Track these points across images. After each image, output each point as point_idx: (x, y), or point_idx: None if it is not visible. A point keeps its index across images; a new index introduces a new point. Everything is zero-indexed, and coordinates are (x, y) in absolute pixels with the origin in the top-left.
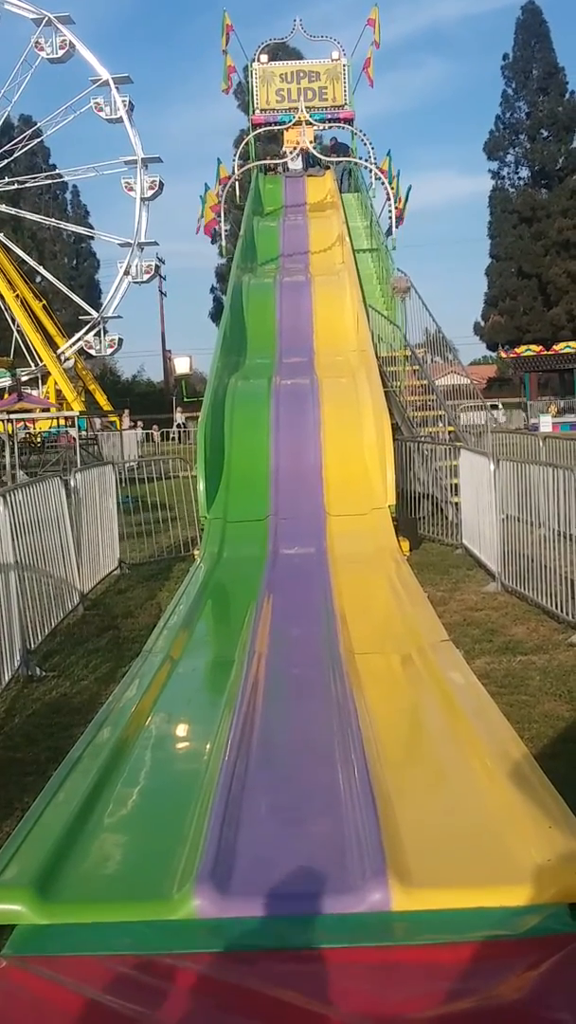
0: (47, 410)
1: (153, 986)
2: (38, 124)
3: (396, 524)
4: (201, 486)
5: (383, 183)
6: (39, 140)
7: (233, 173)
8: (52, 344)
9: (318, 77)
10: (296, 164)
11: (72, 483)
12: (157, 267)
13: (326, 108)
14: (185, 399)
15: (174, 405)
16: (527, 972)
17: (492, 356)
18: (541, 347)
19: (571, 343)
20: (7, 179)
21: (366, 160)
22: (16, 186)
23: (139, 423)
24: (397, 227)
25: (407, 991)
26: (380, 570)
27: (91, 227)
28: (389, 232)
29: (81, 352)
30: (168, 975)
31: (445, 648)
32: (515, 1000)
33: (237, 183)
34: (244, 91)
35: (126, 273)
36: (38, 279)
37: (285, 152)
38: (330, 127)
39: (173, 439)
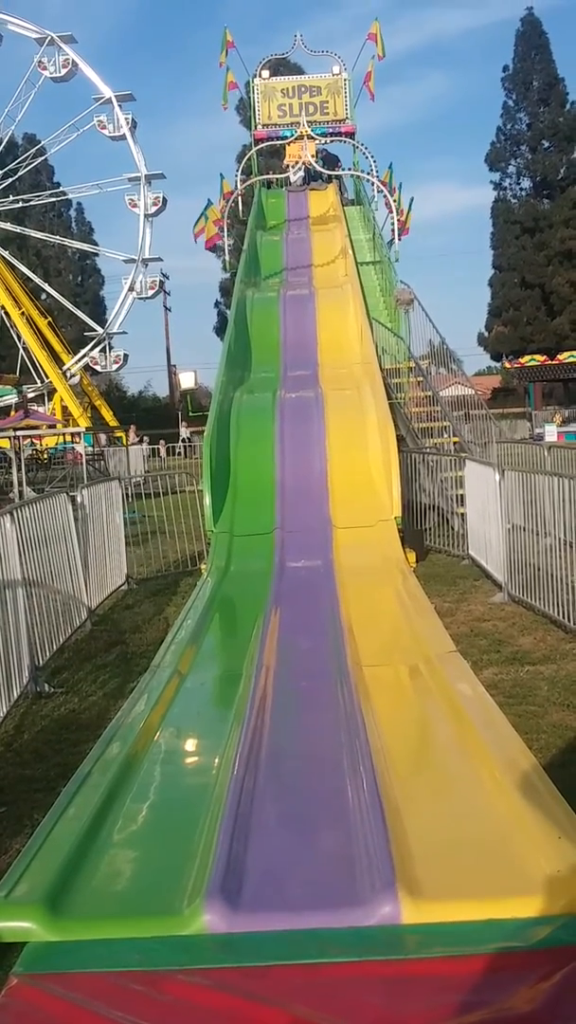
0: (53, 426)
1: (163, 1002)
2: (42, 142)
3: (402, 535)
4: (207, 500)
5: (385, 196)
6: (43, 158)
7: (236, 188)
8: (58, 361)
9: (319, 92)
10: (298, 179)
11: (79, 499)
12: (161, 283)
13: (328, 122)
14: (190, 414)
15: (179, 420)
16: (538, 984)
17: (496, 367)
18: (545, 357)
19: (575, 352)
20: (12, 197)
21: (368, 173)
22: (21, 204)
23: (146, 438)
24: (401, 237)
25: (418, 1004)
26: (387, 582)
27: (95, 244)
28: (391, 244)
29: (87, 368)
30: (178, 991)
31: (452, 659)
32: (527, 1012)
33: (240, 198)
34: (246, 107)
35: (131, 289)
36: (43, 296)
37: (288, 167)
38: (332, 141)
39: (179, 454)
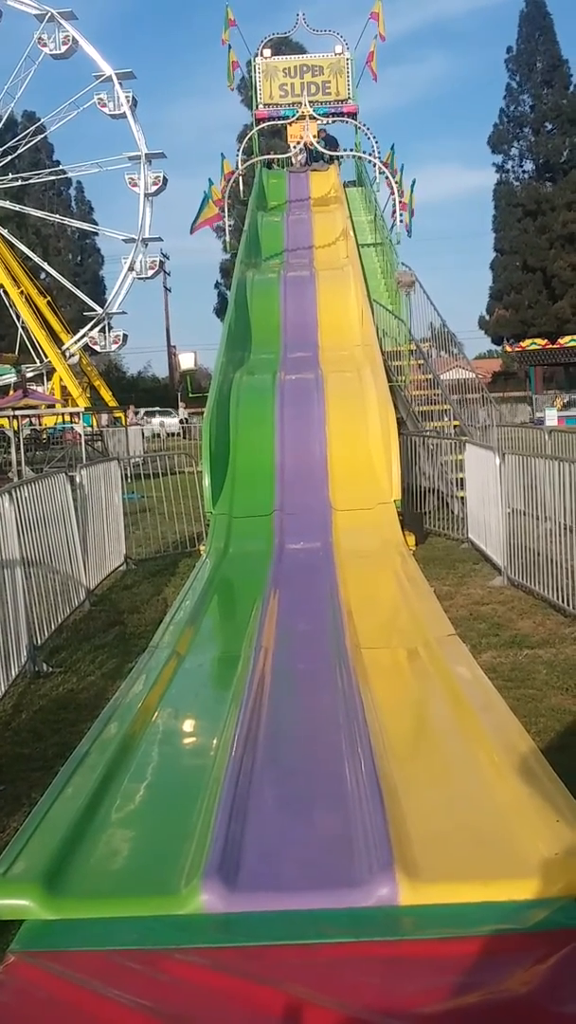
0: (52, 406)
1: (161, 981)
2: (41, 120)
3: (402, 518)
4: (206, 481)
5: (387, 177)
6: (43, 136)
7: (237, 168)
8: (57, 340)
9: (321, 71)
10: (300, 159)
11: (78, 479)
12: (161, 263)
13: (329, 102)
14: (190, 395)
15: (178, 401)
16: (535, 966)
17: (497, 350)
18: (546, 341)
19: None
20: (11, 176)
21: (370, 154)
22: (20, 182)
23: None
24: (410, 220)
25: (415, 985)
26: (386, 565)
27: (95, 223)
28: (393, 227)
29: (86, 348)
30: (176, 970)
31: (451, 642)
32: (523, 994)
33: (241, 178)
34: (247, 86)
35: (130, 269)
36: (43, 276)
37: (290, 147)
38: (333, 121)
39: (177, 434)
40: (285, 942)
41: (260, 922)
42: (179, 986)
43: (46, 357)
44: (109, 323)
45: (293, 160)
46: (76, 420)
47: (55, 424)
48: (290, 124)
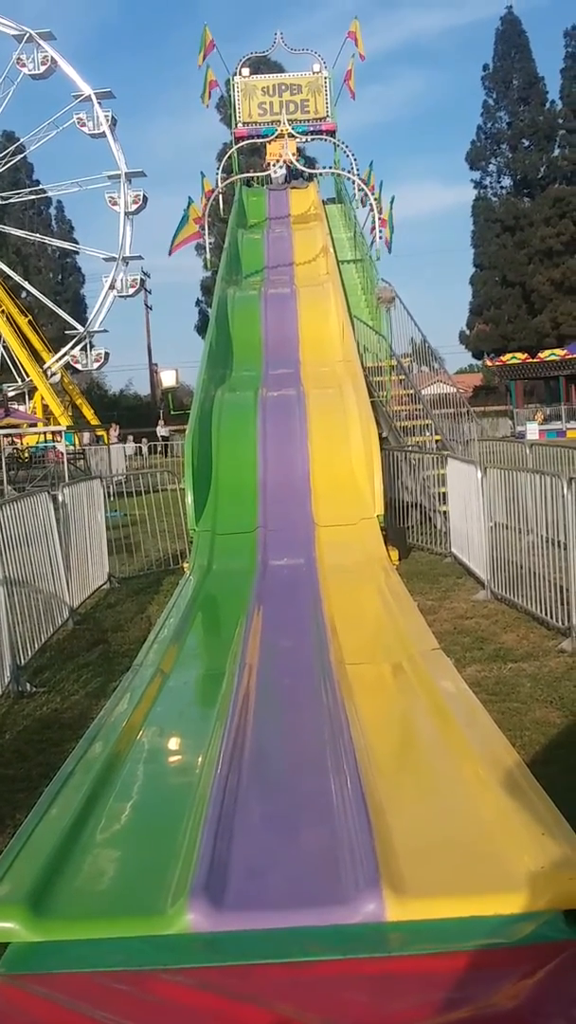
0: (34, 425)
1: (148, 1002)
2: (21, 140)
3: (385, 533)
4: (189, 499)
5: (366, 194)
6: (22, 156)
7: (217, 186)
8: (38, 359)
9: (300, 90)
10: (279, 176)
11: (60, 498)
12: (142, 281)
13: (308, 120)
14: (172, 412)
15: (160, 418)
16: (522, 980)
17: (478, 365)
18: (526, 355)
19: (556, 350)
20: None
21: (349, 172)
22: (0, 202)
23: (130, 437)
24: (391, 235)
25: (403, 1002)
26: (369, 580)
27: (76, 242)
28: (372, 243)
29: (67, 367)
30: (163, 990)
31: (436, 657)
32: (511, 1008)
33: (221, 196)
34: (227, 104)
35: (111, 287)
36: (23, 294)
37: (270, 164)
38: (312, 139)
39: (159, 452)
40: (272, 960)
41: (247, 941)
42: (166, 1007)
43: (27, 376)
44: (90, 341)
45: (272, 177)
46: (58, 439)
47: (37, 443)
48: (269, 142)
